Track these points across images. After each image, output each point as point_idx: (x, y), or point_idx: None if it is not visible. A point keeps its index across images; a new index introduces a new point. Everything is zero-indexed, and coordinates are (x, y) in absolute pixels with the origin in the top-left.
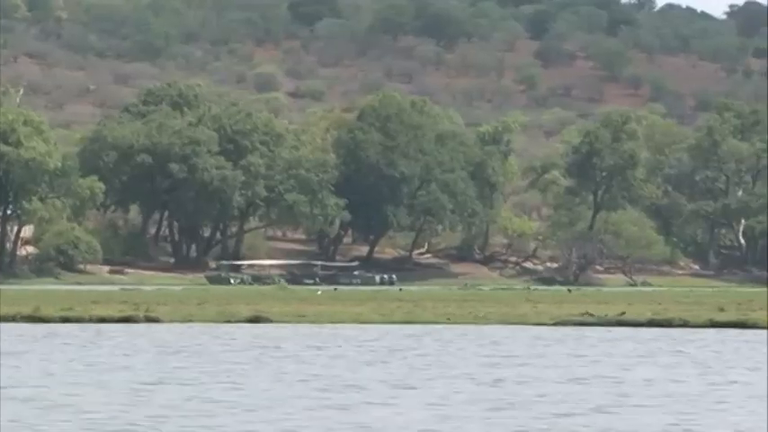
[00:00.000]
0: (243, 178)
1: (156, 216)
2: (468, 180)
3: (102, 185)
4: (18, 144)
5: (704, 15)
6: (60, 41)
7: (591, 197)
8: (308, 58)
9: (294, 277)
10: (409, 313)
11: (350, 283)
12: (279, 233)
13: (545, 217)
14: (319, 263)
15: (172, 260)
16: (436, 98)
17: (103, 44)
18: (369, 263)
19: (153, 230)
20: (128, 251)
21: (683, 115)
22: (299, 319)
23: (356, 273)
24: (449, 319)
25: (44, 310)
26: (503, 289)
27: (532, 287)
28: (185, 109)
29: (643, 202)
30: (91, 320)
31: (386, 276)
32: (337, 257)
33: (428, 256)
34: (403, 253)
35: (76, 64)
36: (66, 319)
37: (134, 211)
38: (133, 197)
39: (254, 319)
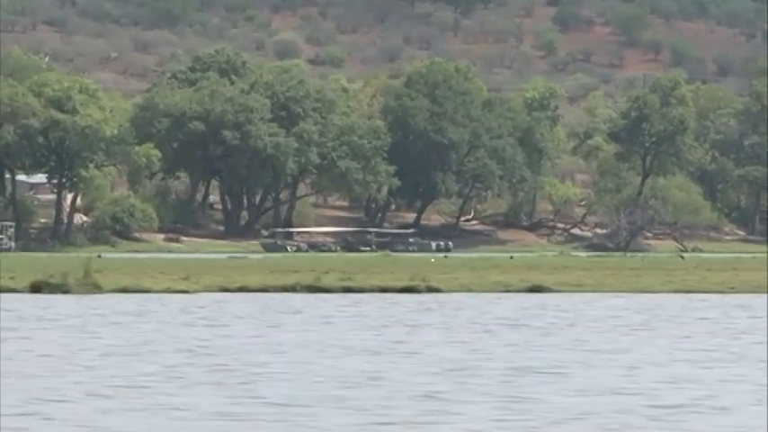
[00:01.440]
0: (296, 145)
1: (204, 183)
2: (516, 146)
3: (158, 153)
4: (74, 111)
5: None
6: (76, 9)
7: (639, 163)
8: (327, 25)
9: (348, 244)
10: (701, 281)
11: (406, 250)
12: (321, 200)
13: (587, 183)
14: (373, 230)
15: (221, 228)
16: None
17: (119, 11)
18: (415, 229)
19: (200, 198)
20: (178, 219)
21: (706, 80)
22: (576, 288)
23: (411, 240)
24: (732, 288)
25: (323, 279)
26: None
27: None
28: (233, 76)
29: (689, 168)
30: (372, 290)
31: (441, 243)
32: (384, 224)
33: (474, 222)
34: (449, 220)
35: (95, 31)
36: (348, 289)
37: (182, 179)
38: (185, 164)
39: (535, 289)
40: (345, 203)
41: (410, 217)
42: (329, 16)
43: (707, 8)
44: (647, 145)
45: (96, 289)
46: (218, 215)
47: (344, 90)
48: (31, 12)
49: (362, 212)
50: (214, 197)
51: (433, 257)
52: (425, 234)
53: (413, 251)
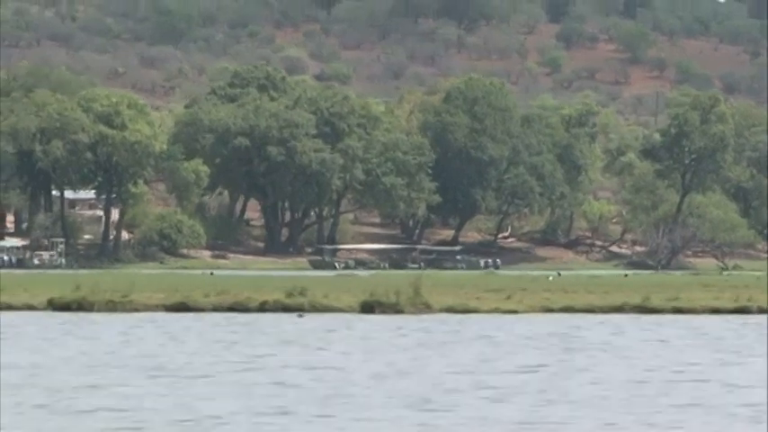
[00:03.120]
0: (341, 161)
1: (243, 200)
2: (555, 163)
3: (206, 169)
4: (122, 127)
5: None
6: (78, 24)
7: (678, 180)
8: (330, 41)
9: (394, 261)
10: None
11: (454, 267)
12: (352, 217)
13: (621, 200)
14: (419, 246)
15: (259, 244)
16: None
17: (120, 27)
18: (461, 246)
19: (238, 214)
20: (218, 235)
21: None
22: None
23: (459, 257)
24: None
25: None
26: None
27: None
28: (272, 92)
29: (725, 186)
30: (703, 311)
31: (490, 261)
32: (422, 241)
33: (511, 240)
34: (487, 237)
35: (100, 47)
36: (678, 310)
37: (223, 196)
38: (228, 180)
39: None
40: (377, 220)
41: (446, 234)
42: (332, 33)
43: (709, 26)
44: (686, 162)
45: (426, 308)
46: (256, 232)
47: (386, 106)
48: (34, 27)
49: (398, 229)
50: (249, 214)
51: (550, 276)
52: (464, 251)
53: (461, 268)
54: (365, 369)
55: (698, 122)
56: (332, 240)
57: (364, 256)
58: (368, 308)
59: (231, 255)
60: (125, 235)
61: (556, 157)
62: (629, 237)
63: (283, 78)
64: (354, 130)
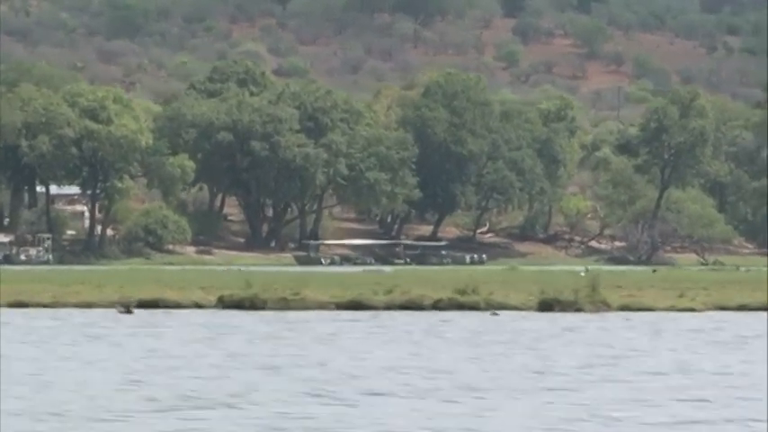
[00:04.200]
0: (325, 156)
1: (222, 195)
2: (534, 157)
3: (192, 164)
4: (108, 122)
5: None
6: (31, 19)
7: (658, 175)
8: (287, 36)
9: (378, 257)
10: None
11: (440, 263)
12: (327, 213)
13: (596, 196)
14: (403, 242)
15: (239, 240)
16: (417, 76)
17: (76, 21)
18: (446, 242)
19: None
20: (200, 231)
21: (671, 92)
22: None
23: (444, 252)
24: None
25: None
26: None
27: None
28: (252, 87)
29: (700, 181)
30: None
31: (476, 256)
32: (402, 237)
33: (490, 235)
34: (466, 232)
35: (58, 42)
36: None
37: (203, 191)
38: (211, 176)
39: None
40: (353, 215)
41: (424, 229)
42: (288, 27)
43: (664, 20)
44: (666, 157)
45: (605, 306)
46: (235, 227)
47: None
48: None
49: (376, 225)
50: (227, 209)
51: (582, 272)
52: (448, 247)
53: (447, 263)
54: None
55: (677, 117)
56: (315, 236)
57: (346, 251)
58: (546, 306)
59: (216, 250)
60: (109, 231)
61: (535, 151)
62: (607, 232)
63: (263, 73)
64: (338, 125)
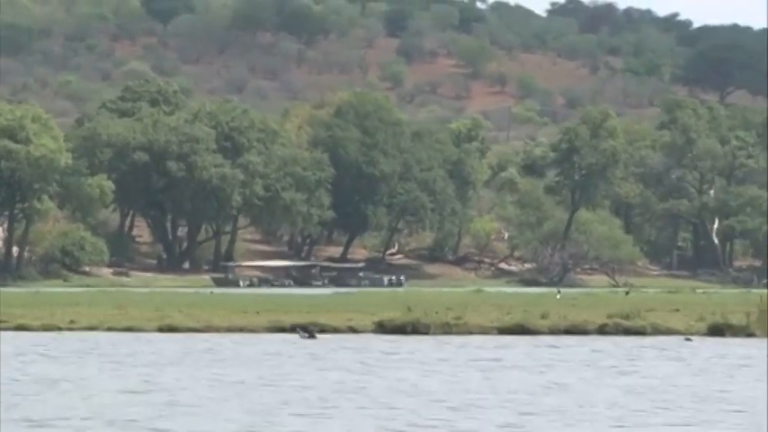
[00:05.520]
0: (242, 177)
1: (134, 215)
2: (446, 178)
3: (111, 185)
4: (27, 141)
5: (530, 13)
6: None
7: (568, 196)
8: (169, 55)
9: (295, 279)
10: None
11: (358, 285)
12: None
13: (501, 217)
14: (321, 263)
15: (150, 261)
16: (303, 95)
17: None
18: (365, 264)
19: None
20: (114, 252)
21: (555, 113)
22: None
23: (361, 274)
24: None
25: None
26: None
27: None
28: (163, 106)
29: (605, 202)
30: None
31: (393, 278)
32: (311, 258)
33: (399, 256)
34: (375, 254)
35: None
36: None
37: (115, 211)
38: (127, 196)
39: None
40: (258, 237)
41: (333, 250)
42: (170, 46)
43: (545, 41)
44: (576, 178)
45: None
46: (144, 248)
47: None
48: None
49: (284, 246)
50: (136, 230)
51: (557, 293)
52: (361, 268)
53: (365, 285)
54: None
55: (588, 137)
56: (230, 257)
57: (260, 272)
58: (717, 330)
59: (132, 272)
60: (26, 252)
61: (446, 172)
62: (517, 254)
63: (175, 92)
64: (254, 145)
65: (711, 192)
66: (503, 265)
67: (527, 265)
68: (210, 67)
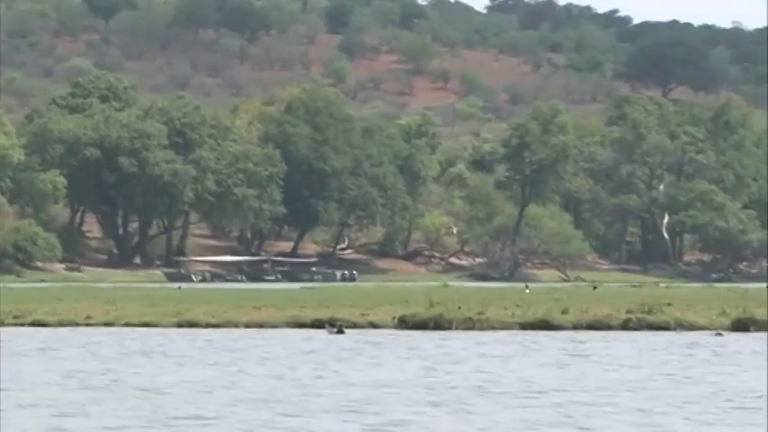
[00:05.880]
0: (194, 173)
1: (84, 210)
2: (396, 174)
3: (64, 180)
4: None
5: (470, 9)
6: None
7: (519, 191)
8: (112, 51)
9: (247, 274)
10: None
11: (311, 280)
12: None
13: (451, 212)
14: (274, 258)
15: (100, 256)
16: (246, 92)
17: None
18: (318, 258)
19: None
20: (65, 248)
21: (499, 109)
22: None
23: (314, 269)
24: None
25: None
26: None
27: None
28: (113, 102)
29: (558, 197)
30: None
31: (346, 273)
32: (261, 253)
33: (350, 251)
34: (326, 249)
35: None
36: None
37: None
38: (79, 192)
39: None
40: (207, 232)
41: (283, 246)
42: (113, 43)
43: (487, 37)
44: (527, 173)
45: None
46: (94, 243)
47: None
48: None
49: (234, 241)
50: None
51: (526, 288)
52: (314, 263)
53: (318, 280)
54: None
55: (539, 133)
56: (181, 252)
57: (211, 267)
58: (741, 325)
59: (85, 267)
60: None
61: (397, 168)
62: (468, 248)
63: (125, 88)
64: (206, 141)
65: (661, 187)
66: (453, 260)
67: (478, 260)
68: (153, 63)
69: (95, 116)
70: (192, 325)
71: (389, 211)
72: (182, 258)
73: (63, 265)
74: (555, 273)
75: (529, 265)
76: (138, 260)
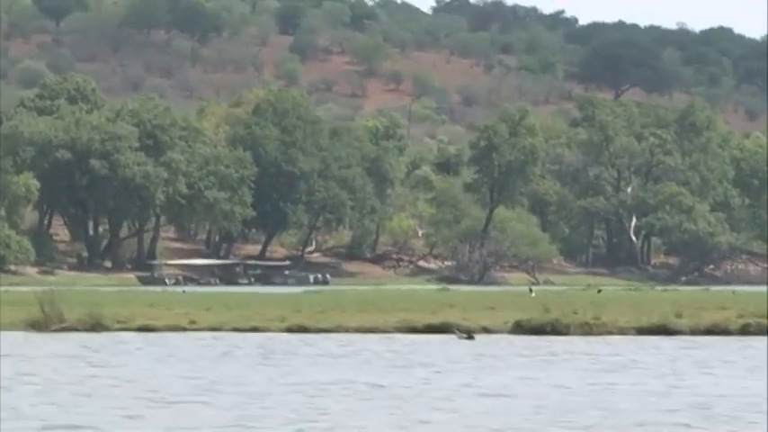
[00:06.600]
0: (165, 175)
1: (52, 213)
2: (365, 176)
3: (37, 183)
4: None
5: (417, 11)
6: None
7: (487, 193)
8: (64, 53)
9: (221, 278)
10: None
11: (284, 283)
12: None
13: (414, 215)
14: (247, 262)
15: (70, 260)
16: (199, 93)
17: None
18: (291, 261)
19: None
20: (36, 251)
21: (453, 110)
22: None
23: (287, 272)
24: None
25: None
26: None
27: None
28: (81, 103)
29: (526, 200)
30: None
31: (319, 276)
32: (230, 256)
33: (317, 254)
34: (293, 252)
35: None
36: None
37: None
38: (50, 194)
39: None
40: (173, 235)
41: (250, 249)
42: (64, 44)
43: (438, 39)
44: (495, 175)
45: None
46: (62, 247)
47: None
48: None
49: (202, 244)
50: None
51: (532, 291)
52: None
53: (291, 284)
54: None
55: (507, 135)
56: (152, 255)
57: (181, 271)
58: None
59: (57, 270)
60: None
61: (365, 170)
62: (436, 251)
63: (94, 90)
64: (177, 143)
65: (629, 189)
66: (422, 263)
67: (446, 263)
68: (106, 65)
69: (66, 118)
70: (301, 330)
71: (358, 214)
72: (154, 262)
73: (36, 269)
74: (524, 276)
75: (498, 268)
76: (108, 263)
